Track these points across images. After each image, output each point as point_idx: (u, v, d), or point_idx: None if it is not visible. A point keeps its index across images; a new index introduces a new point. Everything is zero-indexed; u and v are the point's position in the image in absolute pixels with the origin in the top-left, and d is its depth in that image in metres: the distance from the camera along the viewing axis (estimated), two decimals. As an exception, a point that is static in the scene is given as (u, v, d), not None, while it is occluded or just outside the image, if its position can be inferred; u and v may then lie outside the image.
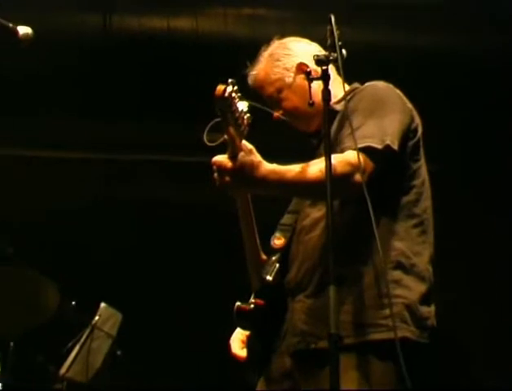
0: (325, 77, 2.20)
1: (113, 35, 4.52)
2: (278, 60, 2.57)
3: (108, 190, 5.66)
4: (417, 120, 2.43)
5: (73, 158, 5.49)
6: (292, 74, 2.54)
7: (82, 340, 4.29)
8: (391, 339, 2.14)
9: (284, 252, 2.49)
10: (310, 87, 2.31)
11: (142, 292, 5.23)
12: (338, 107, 2.45)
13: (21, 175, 5.32)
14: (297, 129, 2.62)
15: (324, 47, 2.33)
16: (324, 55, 2.24)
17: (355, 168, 2.17)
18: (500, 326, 5.23)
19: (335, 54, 2.21)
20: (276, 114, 2.58)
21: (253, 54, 2.63)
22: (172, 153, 5.43)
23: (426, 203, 2.43)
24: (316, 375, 2.25)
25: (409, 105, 2.43)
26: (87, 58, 4.55)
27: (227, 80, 2.03)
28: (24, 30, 2.50)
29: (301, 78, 2.48)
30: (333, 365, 1.97)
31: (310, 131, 2.58)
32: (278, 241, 2.51)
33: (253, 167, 2.10)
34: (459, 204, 5.20)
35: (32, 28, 2.54)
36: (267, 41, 2.65)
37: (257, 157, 2.12)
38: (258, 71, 2.60)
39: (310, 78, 2.28)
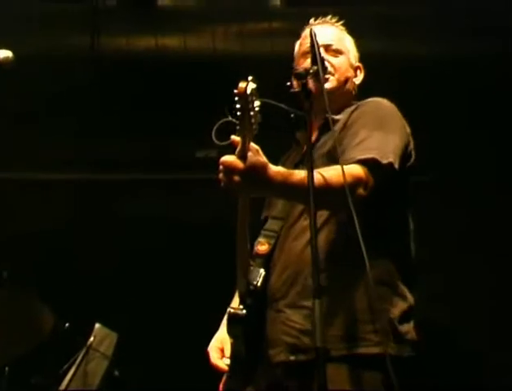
0: (305, 92, 2.17)
1: (101, 55, 4.54)
2: None
3: (91, 211, 5.64)
4: (412, 144, 2.42)
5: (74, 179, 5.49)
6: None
7: (78, 361, 4.26)
8: (379, 354, 2.17)
9: (268, 258, 2.44)
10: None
11: (135, 312, 5.21)
12: (337, 116, 2.43)
13: (7, 198, 5.31)
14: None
15: None
16: (304, 69, 2.22)
17: (359, 180, 2.17)
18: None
19: (315, 67, 2.19)
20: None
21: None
22: (165, 170, 5.43)
23: (410, 227, 2.43)
24: (308, 387, 2.22)
25: (408, 128, 2.42)
26: (76, 79, 4.55)
27: (247, 77, 2.00)
28: (4, 54, 2.50)
29: None
30: (322, 380, 1.95)
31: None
32: (261, 247, 2.45)
33: (262, 168, 2.07)
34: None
35: (14, 51, 2.54)
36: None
37: (263, 158, 2.09)
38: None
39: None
